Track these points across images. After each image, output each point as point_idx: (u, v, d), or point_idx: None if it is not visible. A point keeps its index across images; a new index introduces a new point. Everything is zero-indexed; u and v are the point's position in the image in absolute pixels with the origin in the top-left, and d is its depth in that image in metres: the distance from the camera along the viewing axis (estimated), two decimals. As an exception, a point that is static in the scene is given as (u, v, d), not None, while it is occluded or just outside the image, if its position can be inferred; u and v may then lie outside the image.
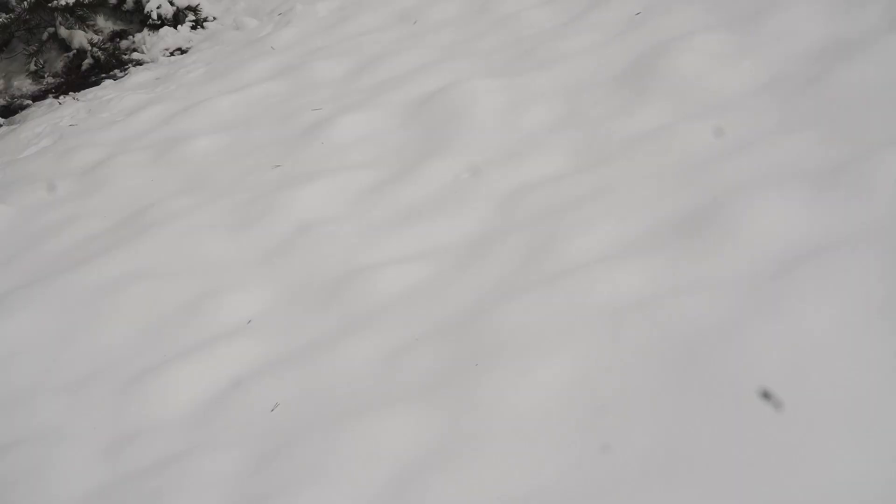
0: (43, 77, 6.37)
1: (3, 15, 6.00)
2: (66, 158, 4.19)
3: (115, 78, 5.95)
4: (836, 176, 1.76)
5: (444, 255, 2.20)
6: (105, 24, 6.64)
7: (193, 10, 6.19)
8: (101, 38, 6.43)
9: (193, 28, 6.12)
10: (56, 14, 6.29)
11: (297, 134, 3.31)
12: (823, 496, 1.12)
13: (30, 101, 6.06)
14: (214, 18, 6.20)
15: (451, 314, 1.87)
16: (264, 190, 2.95)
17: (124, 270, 2.70)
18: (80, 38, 6.29)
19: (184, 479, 1.64)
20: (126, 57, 6.24)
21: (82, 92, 5.83)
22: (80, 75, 6.24)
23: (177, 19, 6.24)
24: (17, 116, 5.83)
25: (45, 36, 6.40)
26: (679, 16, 3.20)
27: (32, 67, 6.35)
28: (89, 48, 6.29)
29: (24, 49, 6.44)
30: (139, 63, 6.06)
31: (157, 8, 6.24)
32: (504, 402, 1.48)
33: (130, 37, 6.43)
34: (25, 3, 5.98)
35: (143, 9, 6.27)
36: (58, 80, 6.33)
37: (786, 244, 1.63)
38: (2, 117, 5.82)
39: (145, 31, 6.29)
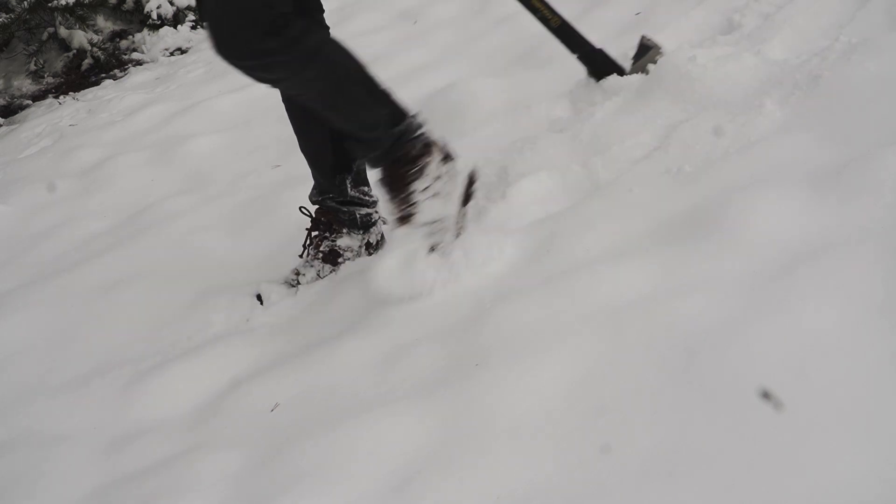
0: (43, 77, 6.37)
1: (3, 15, 6.00)
2: (66, 158, 4.19)
3: (115, 78, 5.95)
4: (836, 176, 1.76)
5: (444, 254, 2.20)
6: (105, 24, 6.64)
7: (193, 10, 6.19)
8: (101, 38, 6.43)
9: (193, 28, 6.13)
10: (56, 14, 6.29)
11: (297, 134, 3.31)
12: (823, 496, 1.12)
13: (30, 101, 6.06)
14: (214, 18, 6.19)
15: (452, 313, 1.87)
16: (264, 190, 2.95)
17: (124, 270, 2.70)
18: (80, 38, 6.29)
19: (184, 479, 1.64)
20: (126, 57, 6.25)
21: (82, 92, 5.84)
22: (80, 75, 6.24)
23: (177, 19, 6.24)
24: (17, 116, 5.84)
25: (45, 36, 6.40)
26: (679, 15, 3.20)
27: (32, 67, 6.35)
28: (89, 48, 6.29)
29: (24, 49, 6.44)
30: (139, 63, 6.07)
31: (157, 8, 6.25)
32: (504, 402, 1.48)
33: (130, 37, 6.44)
34: (25, 3, 5.98)
35: (143, 9, 6.27)
36: (58, 80, 6.33)
37: (786, 244, 1.63)
38: (2, 117, 5.82)
39: (145, 31, 6.29)
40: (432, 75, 3.48)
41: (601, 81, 2.73)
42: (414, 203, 1.96)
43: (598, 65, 2.75)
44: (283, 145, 3.26)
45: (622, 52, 3.04)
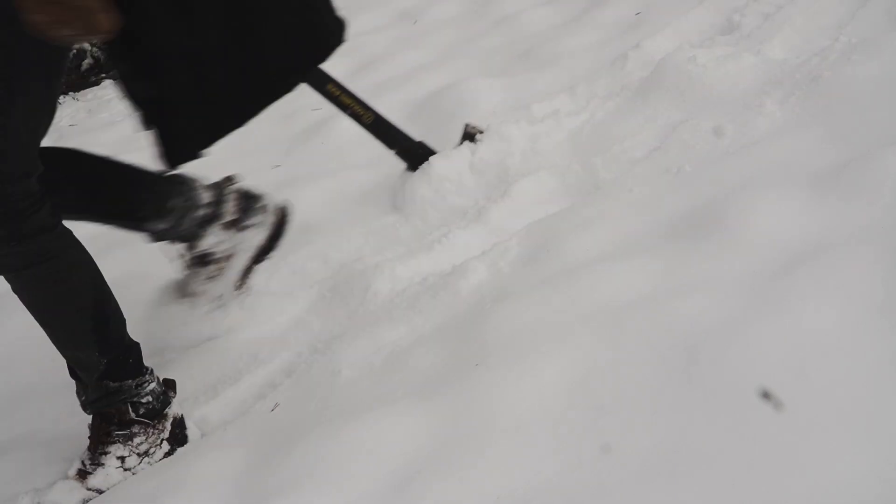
0: (43, 77, 6.35)
1: (3, 15, 6.00)
2: (66, 158, 4.17)
3: (115, 78, 5.93)
4: (836, 176, 1.76)
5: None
6: (105, 23, 6.63)
7: (193, 9, 6.18)
8: (101, 37, 6.42)
9: (193, 28, 6.09)
10: (56, 14, 6.29)
11: (297, 134, 3.31)
12: (823, 496, 1.12)
13: (30, 101, 6.04)
14: (214, 18, 6.19)
15: (452, 314, 1.87)
16: (264, 190, 2.94)
17: (124, 270, 2.69)
18: (80, 37, 6.28)
19: (184, 479, 1.64)
20: (126, 57, 6.22)
21: (82, 92, 5.82)
22: (80, 75, 6.23)
23: (177, 19, 6.22)
24: (18, 116, 5.82)
25: (45, 36, 6.40)
26: (679, 15, 3.20)
27: (32, 67, 6.34)
28: (89, 48, 6.27)
29: (25, 49, 6.43)
30: (139, 63, 6.04)
31: (158, 8, 6.22)
32: (504, 402, 1.48)
33: (130, 37, 6.41)
34: (25, 3, 5.98)
35: (144, 9, 6.25)
36: (58, 79, 6.31)
37: (786, 244, 1.63)
38: (2, 117, 5.80)
39: (145, 30, 6.27)
40: (432, 75, 3.48)
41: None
42: (101, 465, 1.76)
43: (419, 159, 2.56)
44: (282, 145, 3.26)
45: (622, 51, 3.04)
